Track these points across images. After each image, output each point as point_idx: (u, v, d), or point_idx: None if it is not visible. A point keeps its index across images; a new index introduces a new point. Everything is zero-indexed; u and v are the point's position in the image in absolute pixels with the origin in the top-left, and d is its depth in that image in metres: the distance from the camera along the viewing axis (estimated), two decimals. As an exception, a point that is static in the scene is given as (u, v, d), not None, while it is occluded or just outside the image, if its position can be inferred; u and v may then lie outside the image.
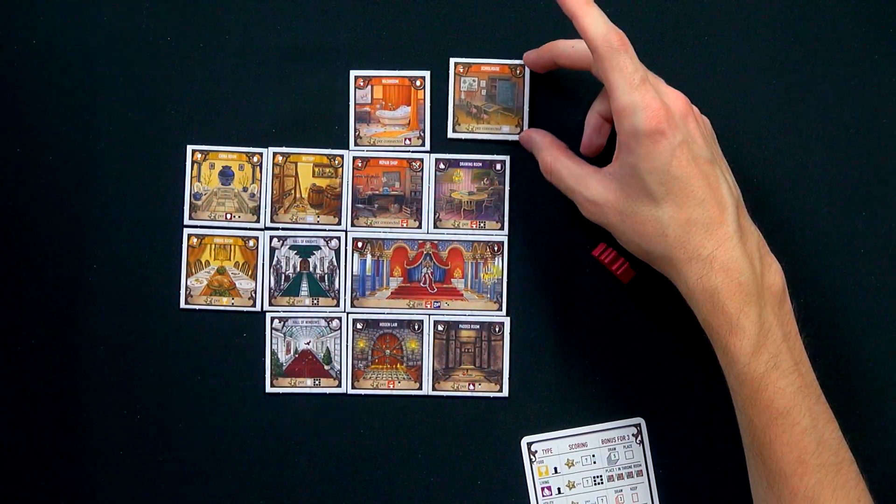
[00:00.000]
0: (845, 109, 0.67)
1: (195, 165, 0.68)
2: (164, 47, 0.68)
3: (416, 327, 0.67)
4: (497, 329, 0.67)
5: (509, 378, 0.67)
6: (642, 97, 0.52)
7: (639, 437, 0.57)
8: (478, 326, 0.67)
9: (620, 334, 0.67)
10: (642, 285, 0.67)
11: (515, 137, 0.59)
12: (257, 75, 0.68)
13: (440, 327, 0.67)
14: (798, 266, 0.67)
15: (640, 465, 0.56)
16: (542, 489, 0.56)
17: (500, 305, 0.67)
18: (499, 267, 0.67)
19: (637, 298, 0.67)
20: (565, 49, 0.59)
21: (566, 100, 0.66)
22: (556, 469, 0.56)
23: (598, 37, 0.53)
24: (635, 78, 0.52)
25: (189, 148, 0.68)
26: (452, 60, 0.52)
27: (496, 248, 0.67)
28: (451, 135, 0.54)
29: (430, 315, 0.67)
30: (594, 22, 0.53)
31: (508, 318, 0.67)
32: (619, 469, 0.56)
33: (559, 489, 0.56)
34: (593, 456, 0.56)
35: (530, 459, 0.56)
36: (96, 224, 0.67)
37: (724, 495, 0.64)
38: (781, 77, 0.68)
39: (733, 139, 0.67)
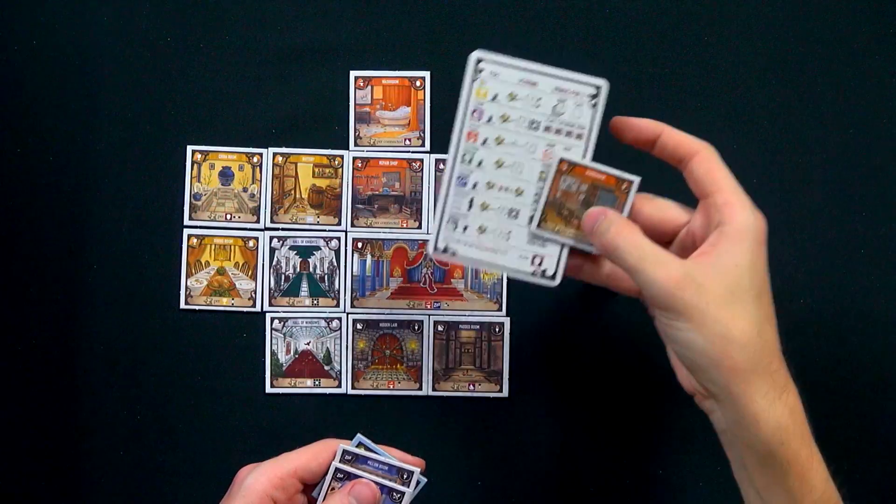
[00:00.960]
0: (845, 109, 0.67)
1: (195, 166, 0.68)
2: (164, 47, 0.68)
3: (416, 327, 0.67)
4: (497, 329, 0.67)
5: (509, 378, 0.67)
6: (751, 202, 0.50)
7: (594, 101, 0.51)
8: (478, 326, 0.67)
9: (620, 334, 0.67)
10: (642, 285, 0.67)
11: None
12: (257, 75, 0.68)
13: (440, 327, 0.67)
14: (798, 266, 0.67)
15: (584, 129, 0.50)
16: (474, 111, 0.50)
17: (500, 305, 0.67)
18: (499, 267, 0.67)
19: (637, 298, 0.67)
20: (669, 138, 0.53)
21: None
22: (495, 96, 0.50)
23: (696, 142, 0.52)
24: (737, 182, 0.51)
25: (189, 148, 0.68)
26: (560, 156, 0.49)
27: (496, 248, 0.67)
28: (533, 229, 0.51)
29: (430, 315, 0.67)
30: (681, 133, 0.52)
31: (508, 318, 0.67)
32: (561, 124, 0.51)
33: (490, 117, 0.51)
34: (539, 99, 0.51)
35: (473, 77, 0.50)
36: (96, 224, 0.67)
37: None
38: (781, 77, 0.68)
39: (733, 139, 0.67)
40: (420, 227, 0.68)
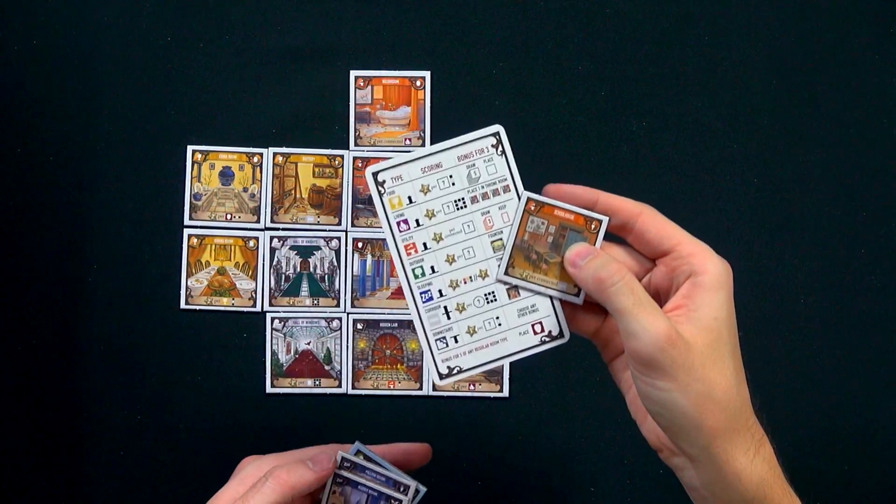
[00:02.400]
0: (845, 109, 0.67)
1: (195, 165, 0.68)
2: (164, 47, 0.68)
3: (417, 327, 0.67)
4: (497, 329, 0.67)
5: (509, 378, 0.67)
6: (713, 250, 0.47)
7: (499, 147, 0.49)
8: (478, 326, 0.67)
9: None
10: (642, 285, 0.67)
11: (571, 298, 0.49)
12: (257, 75, 0.68)
13: (440, 327, 0.67)
14: (798, 266, 0.67)
15: (506, 179, 0.48)
16: (398, 224, 0.48)
17: (501, 305, 0.67)
18: (499, 267, 0.67)
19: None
20: (607, 203, 0.50)
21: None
22: (410, 199, 0.48)
23: (636, 203, 0.49)
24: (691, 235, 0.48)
25: (189, 148, 0.68)
26: (527, 195, 0.47)
27: (496, 248, 0.67)
28: (500, 276, 0.48)
29: (430, 315, 0.67)
30: (617, 197, 0.49)
31: (508, 319, 0.67)
32: (483, 187, 0.48)
33: (417, 221, 0.48)
34: (451, 177, 0.48)
35: (379, 192, 0.48)
36: (96, 224, 0.67)
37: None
38: (781, 77, 0.68)
39: (733, 139, 0.67)
40: (420, 227, 0.67)
